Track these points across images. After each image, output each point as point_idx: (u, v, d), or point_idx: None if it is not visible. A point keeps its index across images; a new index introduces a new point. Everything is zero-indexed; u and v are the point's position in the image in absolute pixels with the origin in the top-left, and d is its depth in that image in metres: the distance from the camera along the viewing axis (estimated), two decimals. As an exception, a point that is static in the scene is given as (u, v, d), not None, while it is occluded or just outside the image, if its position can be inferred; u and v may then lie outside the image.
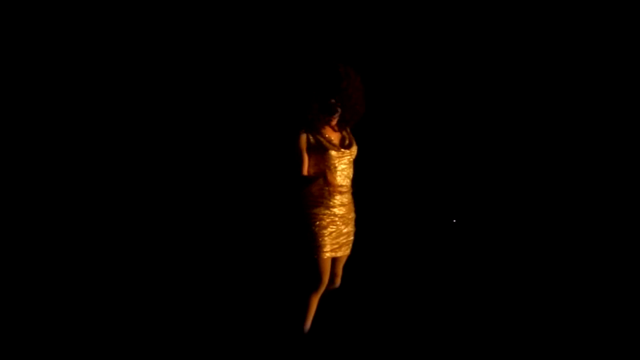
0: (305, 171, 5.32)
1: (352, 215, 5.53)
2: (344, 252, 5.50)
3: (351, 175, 5.49)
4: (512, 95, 7.78)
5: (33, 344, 5.31)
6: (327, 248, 5.38)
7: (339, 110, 5.37)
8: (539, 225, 7.76)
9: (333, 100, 5.34)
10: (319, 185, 5.37)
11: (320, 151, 5.35)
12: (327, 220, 5.38)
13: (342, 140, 5.47)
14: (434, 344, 5.90)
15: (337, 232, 5.42)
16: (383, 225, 7.72)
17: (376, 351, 5.74)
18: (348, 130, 5.53)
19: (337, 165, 5.39)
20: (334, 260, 5.55)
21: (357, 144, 5.56)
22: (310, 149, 5.34)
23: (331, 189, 5.37)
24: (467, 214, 7.91)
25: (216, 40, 7.75)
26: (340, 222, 5.43)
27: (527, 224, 7.78)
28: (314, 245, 5.34)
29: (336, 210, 5.40)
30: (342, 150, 5.40)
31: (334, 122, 5.41)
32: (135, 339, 5.81)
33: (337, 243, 5.43)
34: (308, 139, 5.33)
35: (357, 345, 5.80)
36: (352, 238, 5.55)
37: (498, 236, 7.76)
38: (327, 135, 5.38)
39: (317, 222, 5.36)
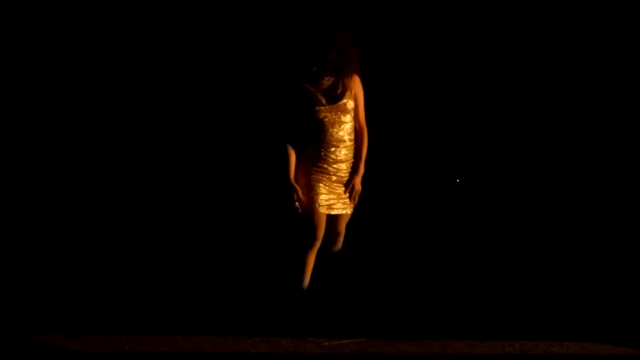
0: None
1: (350, 170, 5.44)
2: (340, 210, 5.42)
3: (348, 129, 5.40)
4: (509, 86, 7.88)
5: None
6: (320, 203, 5.33)
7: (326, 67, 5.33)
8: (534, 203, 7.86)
9: (325, 52, 5.30)
10: (311, 140, 5.36)
11: (307, 107, 5.33)
12: (320, 175, 5.34)
13: (332, 90, 5.38)
14: (432, 301, 6.11)
15: (331, 187, 5.37)
16: (387, 189, 7.80)
17: (375, 309, 5.88)
18: (346, 79, 5.42)
19: (326, 120, 5.35)
20: (333, 219, 5.45)
21: (362, 88, 5.44)
22: (298, 103, 5.34)
23: (323, 145, 5.35)
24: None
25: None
26: (335, 178, 5.38)
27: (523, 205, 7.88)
28: (307, 199, 5.32)
29: (329, 166, 5.36)
30: (328, 105, 5.34)
31: (323, 79, 5.37)
32: (139, 300, 6.04)
33: (331, 199, 5.37)
34: (294, 92, 5.34)
35: (355, 303, 5.91)
36: (348, 197, 5.44)
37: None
38: (313, 89, 5.35)
39: (309, 177, 5.33)
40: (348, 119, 5.40)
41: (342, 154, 5.40)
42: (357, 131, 5.46)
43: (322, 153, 5.36)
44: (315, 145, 5.37)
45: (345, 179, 5.43)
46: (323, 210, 5.36)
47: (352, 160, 5.45)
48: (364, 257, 7.04)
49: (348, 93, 5.39)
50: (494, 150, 7.96)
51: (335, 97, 5.37)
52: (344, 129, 5.38)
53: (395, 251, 7.37)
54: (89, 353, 4.80)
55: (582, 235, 7.43)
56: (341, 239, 5.57)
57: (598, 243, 7.32)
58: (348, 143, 5.41)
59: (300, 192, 5.32)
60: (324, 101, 5.34)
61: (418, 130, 8.01)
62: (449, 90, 7.98)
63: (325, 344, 5.10)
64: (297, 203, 5.31)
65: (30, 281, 6.53)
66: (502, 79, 7.89)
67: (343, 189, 5.42)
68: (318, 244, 5.40)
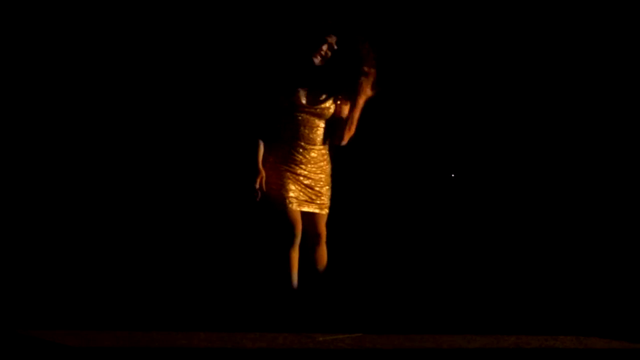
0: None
1: (323, 173, 5.40)
2: (314, 209, 5.38)
3: (320, 133, 5.36)
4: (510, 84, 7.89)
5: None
6: (290, 200, 5.29)
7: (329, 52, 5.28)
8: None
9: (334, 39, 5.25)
10: (281, 137, 5.33)
11: (285, 103, 5.28)
12: (289, 174, 5.30)
13: (316, 95, 5.34)
14: (427, 296, 6.15)
15: (300, 186, 5.32)
16: (381, 184, 7.79)
17: (370, 304, 5.92)
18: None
19: (299, 119, 5.32)
20: (311, 219, 5.41)
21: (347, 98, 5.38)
22: (276, 97, 5.29)
23: (292, 143, 5.32)
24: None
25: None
26: (307, 182, 5.33)
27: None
28: (278, 196, 5.29)
29: (298, 167, 5.31)
30: (307, 105, 5.30)
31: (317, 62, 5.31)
32: (135, 296, 6.04)
33: (303, 196, 5.33)
34: (279, 95, 5.28)
35: (350, 298, 5.93)
36: (324, 197, 5.42)
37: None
38: (298, 90, 5.30)
39: (279, 173, 5.30)
40: (323, 124, 5.37)
41: (311, 156, 5.36)
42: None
43: (290, 152, 5.34)
44: (284, 144, 5.33)
45: (319, 182, 5.39)
46: (294, 207, 5.32)
47: (324, 164, 5.41)
48: (359, 252, 7.04)
49: (331, 100, 5.36)
50: (489, 145, 7.96)
51: (316, 100, 5.34)
52: (317, 132, 5.36)
53: (390, 246, 7.38)
54: (84, 349, 4.81)
55: (576, 230, 7.43)
56: (323, 239, 5.51)
57: (593, 238, 7.32)
58: (319, 146, 5.38)
59: (264, 179, 5.28)
60: (303, 101, 5.31)
61: (413, 123, 8.01)
62: (445, 84, 7.97)
63: (320, 339, 5.11)
64: (257, 187, 5.27)
65: (27, 277, 6.53)
66: (496, 72, 7.89)
67: (316, 191, 5.38)
68: (297, 240, 5.34)
